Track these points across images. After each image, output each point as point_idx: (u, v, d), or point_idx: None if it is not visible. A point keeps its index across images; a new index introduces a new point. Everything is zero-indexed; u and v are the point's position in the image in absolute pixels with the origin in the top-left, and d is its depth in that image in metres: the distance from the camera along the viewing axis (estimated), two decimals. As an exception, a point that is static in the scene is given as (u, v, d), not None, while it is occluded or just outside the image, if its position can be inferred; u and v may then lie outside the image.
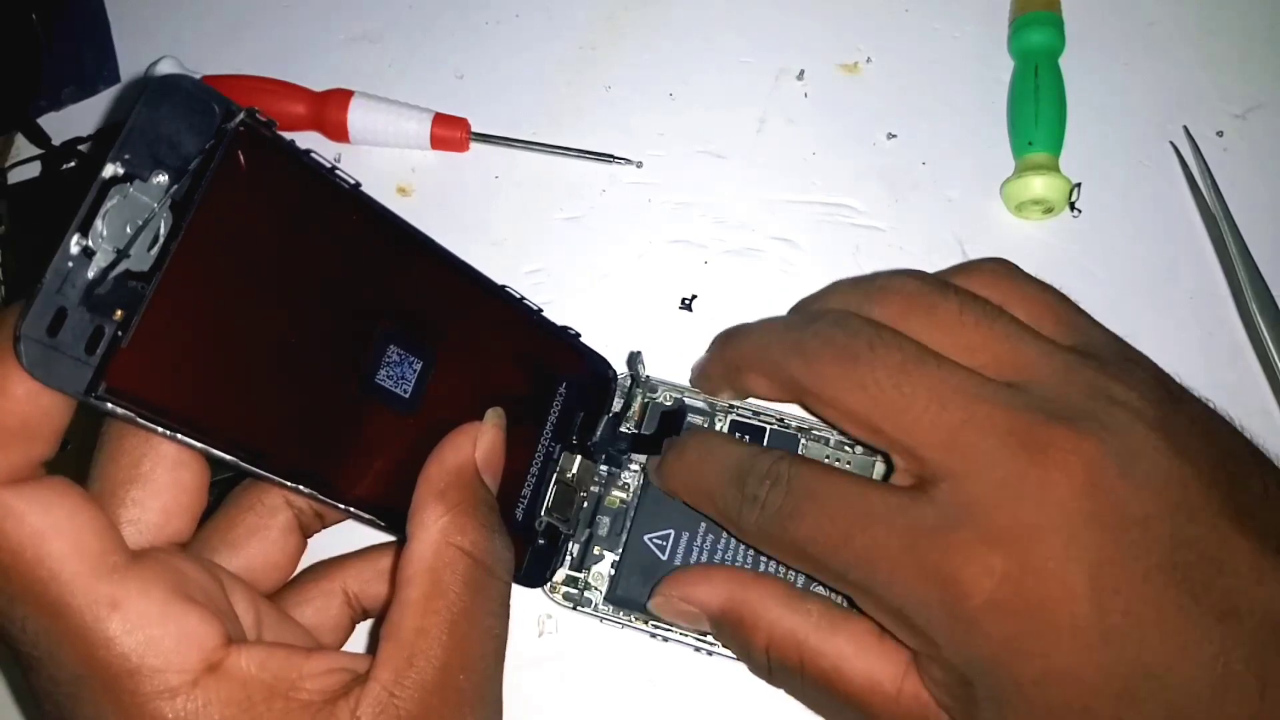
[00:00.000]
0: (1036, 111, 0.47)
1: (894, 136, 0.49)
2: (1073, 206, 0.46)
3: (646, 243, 0.48)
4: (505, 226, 0.49)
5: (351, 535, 0.37)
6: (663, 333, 0.46)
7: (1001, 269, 0.36)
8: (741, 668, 0.38)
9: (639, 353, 0.41)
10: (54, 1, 0.54)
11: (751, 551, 0.39)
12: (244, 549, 0.34)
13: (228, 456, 0.29)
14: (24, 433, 0.26)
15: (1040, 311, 0.34)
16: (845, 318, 0.34)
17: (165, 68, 0.51)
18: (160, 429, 0.27)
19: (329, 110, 0.50)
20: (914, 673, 0.32)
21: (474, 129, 0.50)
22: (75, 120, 0.53)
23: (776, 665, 0.35)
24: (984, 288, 0.35)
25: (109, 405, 0.26)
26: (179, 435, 0.28)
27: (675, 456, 0.38)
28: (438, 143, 0.50)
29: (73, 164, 0.52)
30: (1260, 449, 0.33)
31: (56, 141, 0.53)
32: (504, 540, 0.33)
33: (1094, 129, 0.48)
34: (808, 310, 0.38)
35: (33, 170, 0.52)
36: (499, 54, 0.53)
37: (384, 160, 0.50)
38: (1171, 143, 0.48)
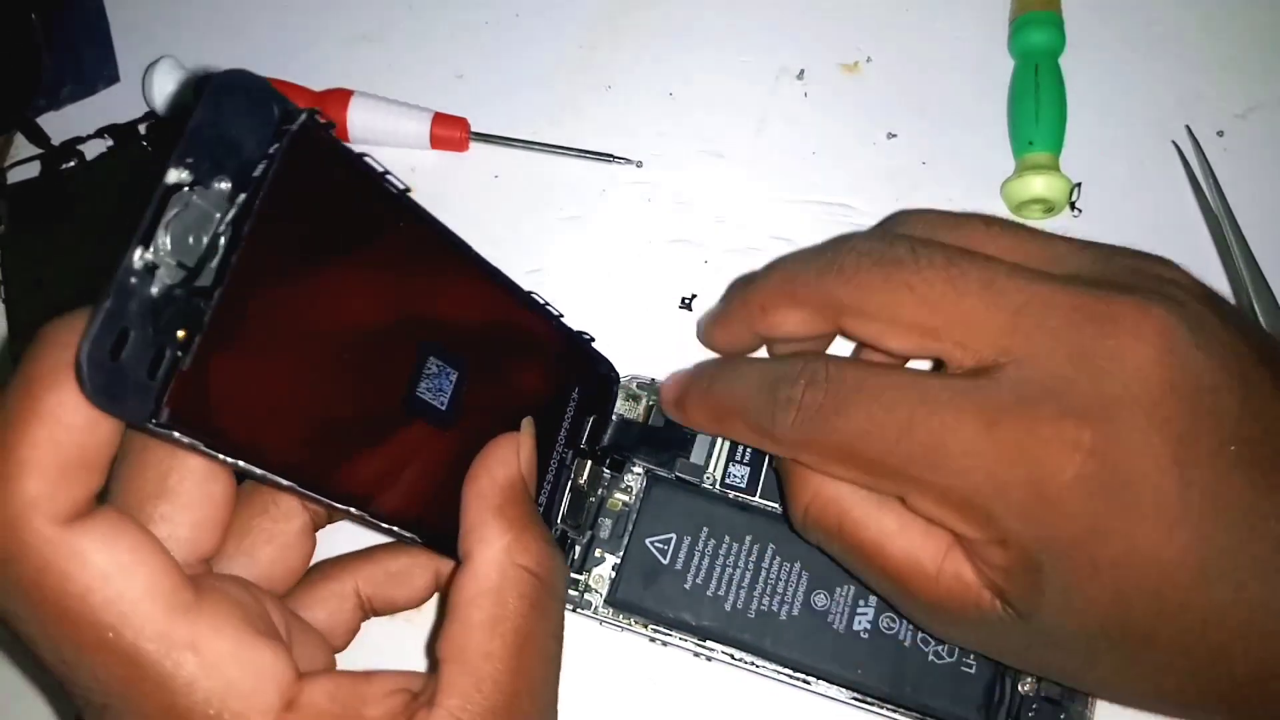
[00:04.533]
0: (1037, 111, 0.46)
1: (894, 136, 0.49)
2: (1073, 206, 0.46)
3: (646, 242, 0.48)
4: (505, 226, 0.49)
5: (352, 530, 0.37)
6: (663, 332, 0.46)
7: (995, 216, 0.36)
8: (740, 675, 0.38)
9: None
10: (54, 1, 0.54)
11: (754, 556, 0.39)
12: (260, 555, 0.33)
13: (284, 481, 0.27)
14: (83, 465, 0.25)
15: (1050, 234, 0.34)
16: (879, 234, 0.33)
17: (164, 68, 0.51)
18: (223, 456, 0.26)
19: (328, 110, 0.49)
20: (957, 553, 0.31)
21: (474, 129, 0.50)
22: (74, 120, 0.53)
23: (812, 523, 0.34)
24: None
25: (175, 434, 0.24)
26: (240, 463, 0.26)
27: (696, 379, 0.37)
28: (437, 142, 0.50)
29: (72, 164, 0.52)
30: None
31: (56, 141, 0.53)
32: (562, 556, 0.33)
33: (1094, 128, 0.48)
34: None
35: (32, 170, 0.52)
36: (499, 54, 0.53)
37: (384, 160, 0.49)
38: (1174, 142, 0.48)
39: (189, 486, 0.29)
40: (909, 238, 0.32)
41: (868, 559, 0.33)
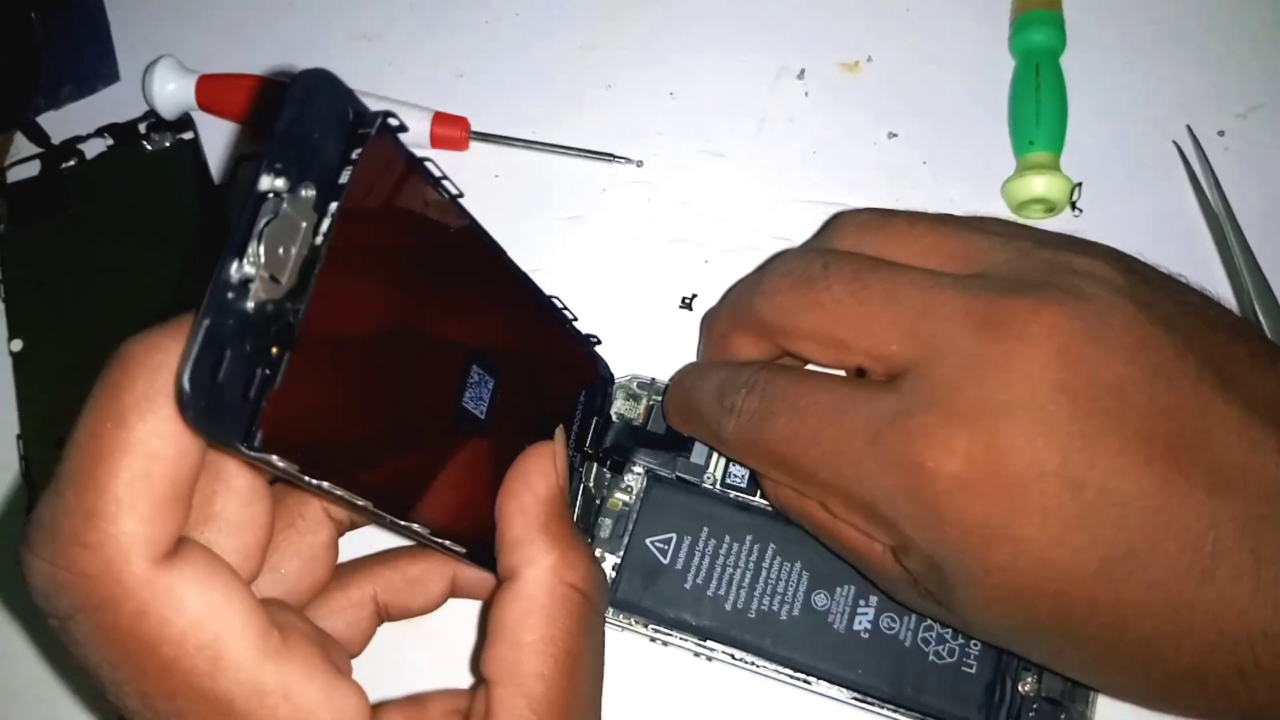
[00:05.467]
0: (1038, 111, 0.46)
1: (895, 136, 0.49)
2: (1074, 206, 0.46)
3: (646, 242, 0.48)
4: (505, 226, 0.48)
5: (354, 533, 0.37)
6: (663, 332, 0.46)
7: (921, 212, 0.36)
8: (740, 675, 0.38)
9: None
10: (54, 1, 0.54)
11: (754, 556, 0.39)
12: (288, 569, 0.32)
13: (360, 502, 0.26)
14: (175, 498, 0.23)
15: (987, 222, 0.34)
16: (800, 250, 0.34)
17: (164, 67, 0.51)
18: (309, 479, 0.24)
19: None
20: None
21: (474, 128, 0.50)
22: (74, 119, 0.53)
23: (782, 508, 0.36)
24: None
25: (272, 458, 0.23)
26: (325, 484, 0.25)
27: (673, 387, 0.39)
28: (437, 142, 0.50)
29: (72, 163, 0.52)
30: (1245, 319, 0.31)
31: (56, 140, 0.53)
32: (603, 571, 0.33)
33: (1095, 128, 0.48)
34: None
35: (32, 169, 0.52)
36: (499, 53, 0.53)
37: (384, 160, 0.50)
38: (1174, 142, 0.48)
39: (234, 509, 0.27)
40: (825, 252, 0.33)
41: (829, 537, 0.34)
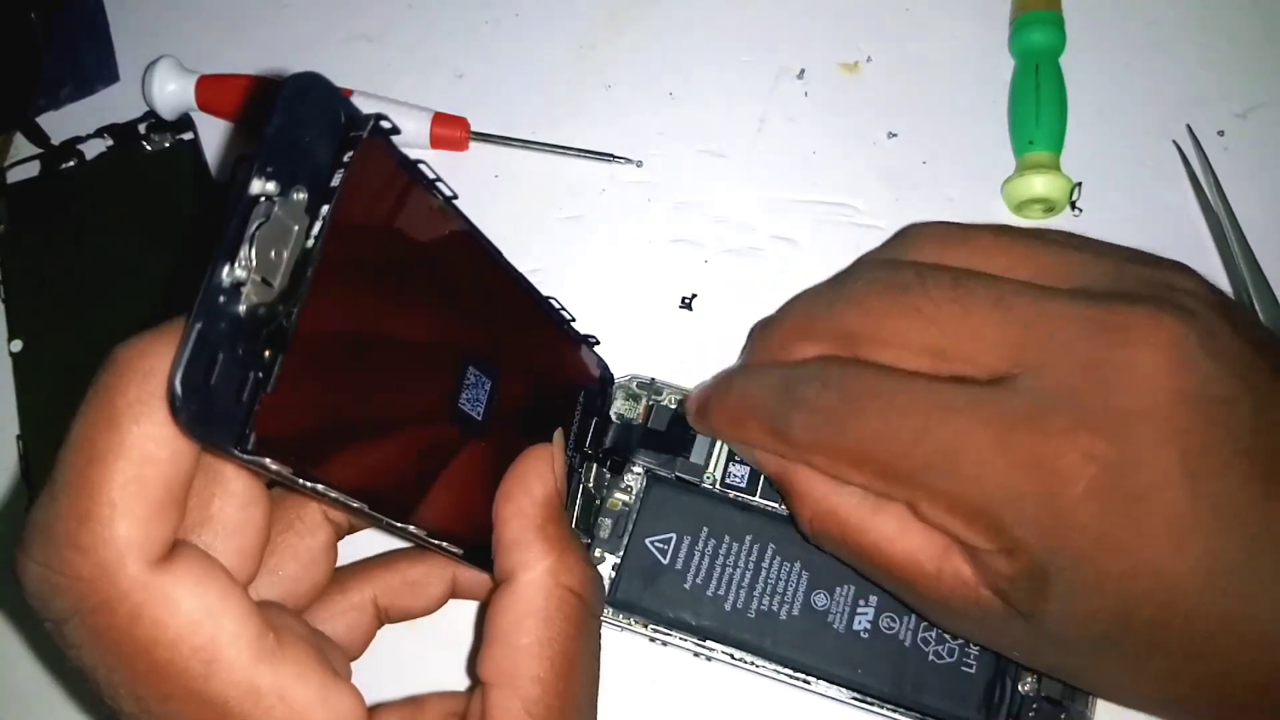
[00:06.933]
0: (1037, 110, 0.46)
1: (894, 136, 0.49)
2: (1074, 205, 0.46)
3: (646, 242, 0.48)
4: (505, 226, 0.48)
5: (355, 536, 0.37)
6: (663, 332, 0.46)
7: (1005, 225, 0.36)
8: (740, 675, 0.38)
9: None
10: (54, 1, 0.54)
11: (754, 556, 0.39)
12: (286, 572, 0.32)
13: (355, 503, 0.26)
14: (169, 501, 0.24)
15: (1068, 236, 0.34)
16: (884, 262, 0.33)
17: (164, 67, 0.51)
18: (304, 482, 0.24)
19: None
20: (955, 552, 0.31)
21: (473, 128, 0.50)
22: (74, 119, 0.53)
23: (820, 536, 0.34)
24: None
25: (265, 461, 0.23)
26: (320, 486, 0.25)
27: (717, 387, 0.36)
28: (437, 142, 0.50)
29: (72, 163, 0.52)
30: None
31: (55, 141, 0.53)
32: (599, 573, 0.33)
33: (1095, 128, 0.48)
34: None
35: (32, 170, 0.52)
36: (498, 53, 0.53)
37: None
38: (1174, 141, 0.48)
39: (231, 512, 0.27)
40: (914, 263, 0.32)
41: (873, 562, 0.33)
